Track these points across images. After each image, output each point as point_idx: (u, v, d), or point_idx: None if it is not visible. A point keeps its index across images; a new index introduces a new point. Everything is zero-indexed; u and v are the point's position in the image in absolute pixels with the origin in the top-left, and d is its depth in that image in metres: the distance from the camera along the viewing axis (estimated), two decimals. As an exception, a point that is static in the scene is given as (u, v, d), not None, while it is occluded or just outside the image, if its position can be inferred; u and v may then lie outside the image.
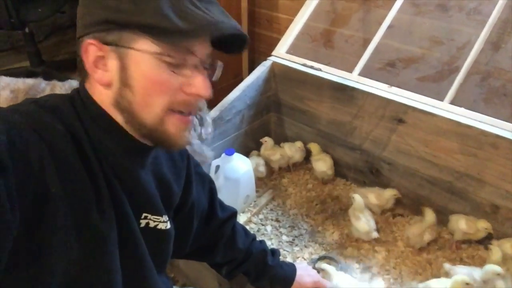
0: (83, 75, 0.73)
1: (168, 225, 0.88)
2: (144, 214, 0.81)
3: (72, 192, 0.65)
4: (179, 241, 1.00)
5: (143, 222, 0.81)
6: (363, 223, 1.61)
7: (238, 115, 1.91)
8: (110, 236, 0.71)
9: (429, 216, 1.60)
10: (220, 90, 1.90)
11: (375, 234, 1.63)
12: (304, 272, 1.20)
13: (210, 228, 1.11)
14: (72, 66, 1.46)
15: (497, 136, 1.45)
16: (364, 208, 1.64)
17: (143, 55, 0.68)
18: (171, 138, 0.74)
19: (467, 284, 1.26)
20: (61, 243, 0.64)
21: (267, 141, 1.98)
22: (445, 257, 1.58)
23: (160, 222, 0.85)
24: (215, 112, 1.79)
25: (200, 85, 0.72)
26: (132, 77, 0.68)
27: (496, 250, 1.44)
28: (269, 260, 1.16)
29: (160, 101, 0.70)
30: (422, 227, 1.58)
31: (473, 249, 1.61)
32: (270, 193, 1.93)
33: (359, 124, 1.82)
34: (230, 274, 1.17)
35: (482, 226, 1.54)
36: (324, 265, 1.39)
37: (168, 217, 0.90)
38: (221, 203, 1.17)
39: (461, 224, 1.57)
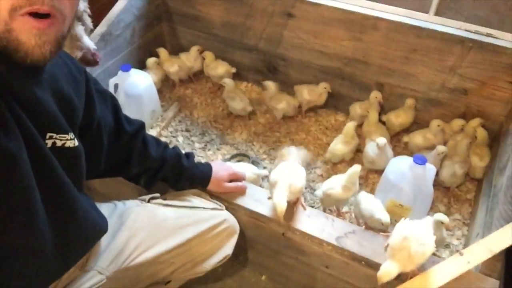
0: None
1: (76, 142, 0.87)
2: (49, 134, 0.79)
3: None
4: (92, 159, 0.99)
5: (49, 142, 0.79)
6: (238, 101, 1.82)
7: (128, 29, 1.82)
8: (20, 155, 0.69)
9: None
10: (104, 5, 1.77)
11: (249, 108, 1.85)
12: (220, 167, 1.27)
13: (120, 143, 1.11)
14: None
15: (377, 18, 1.57)
16: (236, 88, 1.86)
17: None
18: (24, 47, 0.66)
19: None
20: None
21: (162, 52, 1.94)
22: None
23: (67, 140, 0.83)
24: (101, 27, 1.68)
25: None
26: None
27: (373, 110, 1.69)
28: (185, 162, 1.20)
29: (3, 3, 0.62)
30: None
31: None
32: (176, 105, 1.93)
33: (252, 24, 1.84)
34: (148, 183, 1.19)
35: (322, 86, 1.78)
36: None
37: (74, 134, 0.88)
38: (127, 118, 1.16)
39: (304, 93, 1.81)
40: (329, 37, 1.70)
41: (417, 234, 1.00)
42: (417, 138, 1.63)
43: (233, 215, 1.21)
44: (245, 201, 1.23)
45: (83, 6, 1.34)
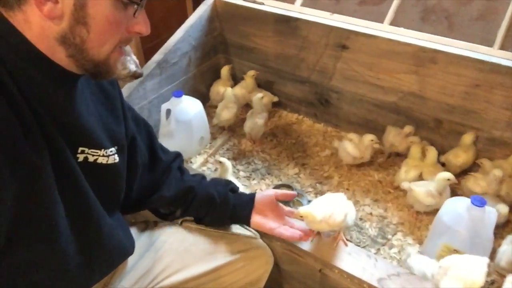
0: (7, 5, 0.67)
1: (112, 160, 0.85)
2: (80, 148, 0.79)
3: None
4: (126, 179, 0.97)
5: (80, 157, 0.79)
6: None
7: (185, 58, 1.88)
8: (44, 168, 0.69)
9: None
10: (164, 40, 1.84)
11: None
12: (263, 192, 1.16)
13: (156, 172, 1.06)
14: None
15: (435, 51, 1.49)
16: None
17: None
18: (110, 69, 0.77)
19: (448, 179, 1.40)
20: None
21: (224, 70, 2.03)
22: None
23: (99, 156, 0.82)
24: (159, 55, 1.75)
25: (144, 23, 0.75)
26: (90, 15, 0.68)
27: (432, 149, 1.57)
28: (230, 196, 1.11)
29: (113, 40, 0.72)
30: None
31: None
32: (225, 133, 1.94)
33: (305, 55, 1.83)
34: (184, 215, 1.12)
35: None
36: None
37: (118, 150, 0.87)
38: (162, 147, 1.13)
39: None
40: (384, 69, 1.64)
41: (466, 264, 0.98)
42: (469, 183, 1.49)
43: (268, 245, 1.15)
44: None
45: None
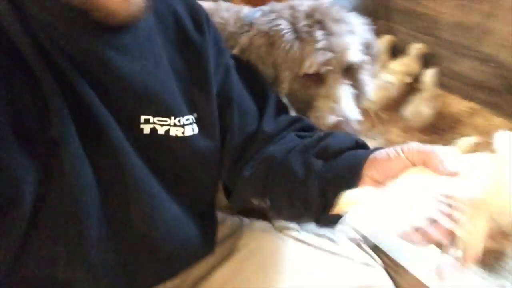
0: None
1: (190, 131, 0.66)
2: (143, 117, 0.61)
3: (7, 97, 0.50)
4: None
5: (146, 128, 0.62)
6: None
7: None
8: (66, 143, 0.54)
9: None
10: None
11: None
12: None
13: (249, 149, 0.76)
14: None
15: None
16: None
17: None
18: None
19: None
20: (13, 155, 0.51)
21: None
22: None
23: (170, 125, 0.64)
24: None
25: None
26: None
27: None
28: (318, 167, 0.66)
29: None
30: None
31: None
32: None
33: (492, 25, 1.39)
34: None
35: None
36: None
37: (197, 119, 0.68)
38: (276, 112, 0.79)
39: None
40: None
41: None
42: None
43: (392, 278, 0.85)
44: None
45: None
